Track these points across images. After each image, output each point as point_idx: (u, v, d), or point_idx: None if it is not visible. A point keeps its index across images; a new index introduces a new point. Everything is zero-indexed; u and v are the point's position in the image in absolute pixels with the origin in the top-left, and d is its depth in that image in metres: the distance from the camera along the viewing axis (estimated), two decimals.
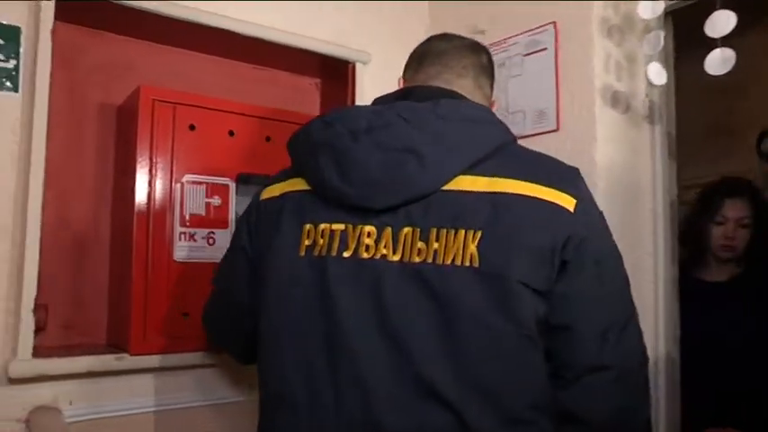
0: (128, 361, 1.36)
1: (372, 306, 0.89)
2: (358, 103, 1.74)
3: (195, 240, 1.42)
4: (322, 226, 0.95)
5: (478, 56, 1.13)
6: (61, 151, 1.45)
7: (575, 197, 0.91)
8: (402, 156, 0.89)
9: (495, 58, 1.68)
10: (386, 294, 0.88)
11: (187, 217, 1.42)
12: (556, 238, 0.88)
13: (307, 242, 0.96)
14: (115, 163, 1.54)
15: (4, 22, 1.31)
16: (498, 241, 0.87)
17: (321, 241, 0.94)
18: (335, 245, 0.93)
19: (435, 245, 0.88)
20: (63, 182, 1.46)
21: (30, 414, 1.30)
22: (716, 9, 1.25)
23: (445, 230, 0.88)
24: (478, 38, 1.75)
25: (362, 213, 0.93)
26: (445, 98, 0.97)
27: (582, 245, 0.89)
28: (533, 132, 1.59)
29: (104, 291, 1.52)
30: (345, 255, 0.92)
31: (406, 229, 0.90)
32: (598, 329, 0.90)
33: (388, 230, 0.91)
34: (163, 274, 1.38)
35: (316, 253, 0.94)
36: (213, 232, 1.45)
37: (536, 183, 0.90)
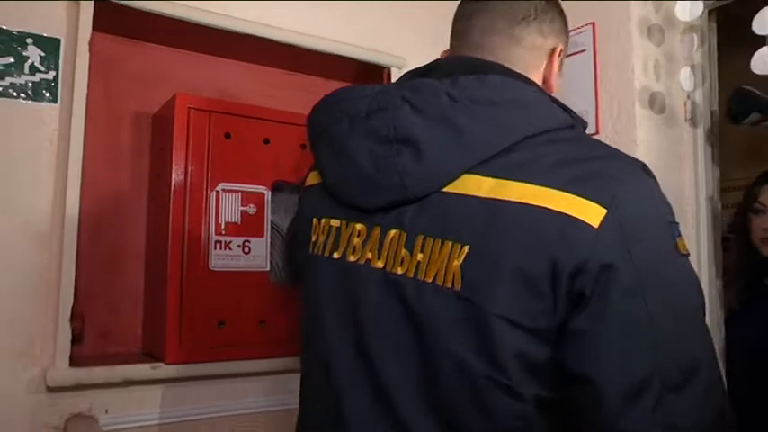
0: (163, 370, 1.36)
1: (349, 318, 0.78)
2: None
3: (230, 249, 1.42)
4: (323, 221, 0.86)
5: (513, 1, 0.86)
6: (98, 160, 1.46)
7: (606, 206, 0.67)
8: (396, 148, 0.74)
9: None
10: (362, 308, 0.77)
11: (222, 225, 1.42)
12: (559, 263, 0.66)
13: (313, 238, 0.87)
14: (150, 171, 1.55)
15: (45, 35, 1.32)
16: (484, 262, 0.69)
17: (321, 238, 0.85)
18: (329, 243, 0.83)
19: (419, 256, 0.73)
20: (99, 191, 1.48)
21: (66, 422, 1.30)
22: (764, 5, 1.21)
23: (432, 240, 0.72)
24: None
25: (357, 210, 0.80)
26: (477, 72, 0.77)
27: (605, 273, 0.66)
28: None
29: (140, 299, 1.52)
30: (335, 256, 0.82)
31: (393, 232, 0.76)
32: (630, 386, 0.66)
33: (377, 231, 0.78)
34: (198, 282, 1.38)
35: (315, 251, 0.86)
36: (249, 241, 1.44)
37: (554, 187, 0.69)
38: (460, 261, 0.70)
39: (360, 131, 0.78)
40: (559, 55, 0.88)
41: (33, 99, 1.30)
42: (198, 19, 1.46)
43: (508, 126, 0.73)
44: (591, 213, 0.67)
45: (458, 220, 0.71)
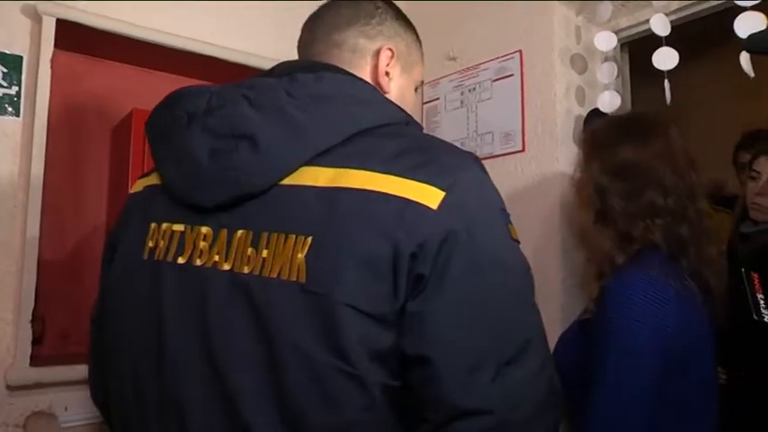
0: None
1: (197, 325, 0.75)
2: None
3: None
4: (164, 226, 0.81)
5: (339, 9, 0.91)
6: (59, 171, 1.54)
7: (445, 190, 0.69)
8: (234, 143, 0.74)
9: (466, 83, 1.83)
10: (210, 311, 0.74)
11: None
12: (400, 244, 0.67)
13: (150, 243, 0.82)
14: (110, 181, 1.63)
15: (8, 52, 1.40)
16: (327, 251, 0.69)
17: (162, 243, 0.81)
18: (173, 248, 0.79)
19: (264, 252, 0.72)
20: (61, 200, 1.55)
21: (27, 420, 1.38)
22: (662, 44, 1.38)
23: (276, 235, 0.72)
24: (451, 64, 1.89)
25: (201, 212, 0.78)
26: (313, 71, 0.79)
27: (444, 252, 0.68)
28: (501, 153, 1.70)
29: None
30: (180, 260, 0.78)
31: (240, 232, 0.74)
32: (468, 361, 0.68)
33: (224, 233, 0.76)
34: None
35: (155, 256, 0.81)
36: None
37: (393, 173, 0.70)
38: (304, 253, 0.69)
39: (198, 129, 0.77)
40: (389, 56, 0.89)
41: None
42: (153, 39, 1.56)
43: (344, 119, 0.75)
44: (429, 196, 0.69)
45: (298, 213, 0.72)
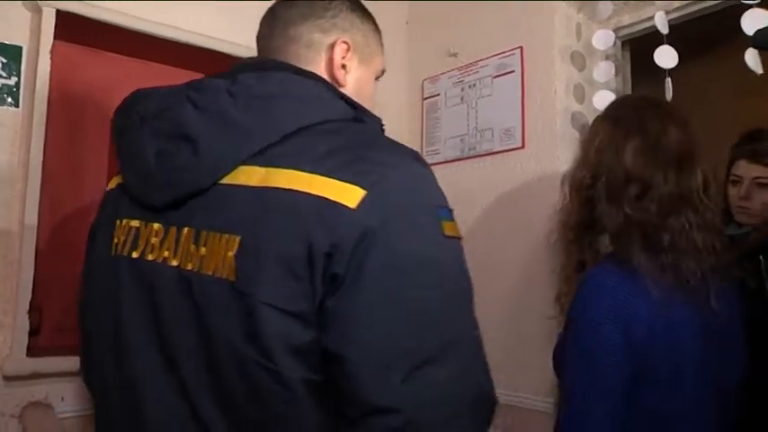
0: None
1: (150, 317, 0.78)
2: None
3: None
4: (124, 222, 0.85)
5: (294, 5, 0.91)
6: (58, 162, 1.53)
7: (366, 188, 0.69)
8: (176, 144, 0.77)
9: (467, 79, 1.83)
10: (160, 305, 0.78)
11: None
12: (315, 244, 0.68)
13: (116, 239, 0.85)
14: (108, 172, 1.62)
15: (8, 42, 1.40)
16: (252, 251, 0.71)
17: (122, 239, 0.84)
18: (129, 243, 0.83)
19: (203, 250, 0.74)
20: (59, 191, 1.55)
21: (23, 410, 1.38)
22: (663, 42, 1.38)
23: (212, 234, 0.74)
24: (451, 60, 1.88)
25: (154, 210, 0.81)
26: (260, 71, 0.81)
27: (360, 251, 0.68)
28: (501, 149, 1.70)
29: None
30: (134, 255, 0.81)
31: (186, 230, 0.77)
32: (381, 359, 0.68)
33: (173, 230, 0.78)
34: None
35: (116, 252, 0.84)
36: None
37: (318, 173, 0.71)
38: (234, 252, 0.71)
39: (147, 131, 0.80)
40: (344, 48, 0.89)
41: None
42: (153, 31, 1.55)
43: (282, 117, 0.76)
44: (349, 195, 0.69)
45: (231, 212, 0.74)
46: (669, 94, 1.40)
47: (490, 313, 1.71)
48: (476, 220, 1.76)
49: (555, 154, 1.59)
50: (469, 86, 1.82)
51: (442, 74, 1.91)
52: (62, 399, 1.43)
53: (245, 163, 0.74)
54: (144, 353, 0.78)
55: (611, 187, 1.07)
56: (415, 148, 2.02)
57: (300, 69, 0.84)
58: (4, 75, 1.40)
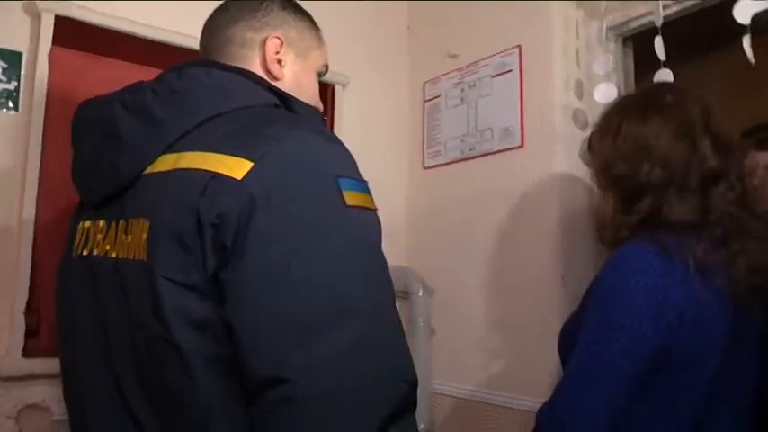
0: None
1: (96, 314, 0.82)
2: (336, 126, 1.84)
3: None
4: (80, 224, 0.91)
5: (229, 9, 0.96)
6: (56, 165, 1.55)
7: (253, 160, 0.71)
8: (107, 142, 0.83)
9: (466, 80, 1.81)
10: (103, 297, 0.82)
11: None
12: (202, 216, 0.70)
13: (75, 242, 0.91)
14: None
15: (8, 48, 1.42)
16: (155, 229, 0.74)
17: (79, 240, 0.90)
18: (82, 243, 0.88)
19: (129, 237, 0.78)
20: (57, 194, 1.56)
21: (20, 411, 1.38)
22: (658, 33, 1.36)
23: (135, 221, 0.78)
24: (452, 62, 1.88)
25: (98, 207, 0.87)
26: (178, 70, 0.85)
27: (243, 221, 0.69)
28: (500, 149, 1.68)
29: None
30: (84, 253, 0.87)
31: (121, 222, 0.81)
32: (269, 329, 0.68)
33: (113, 224, 0.83)
34: None
35: (76, 253, 0.90)
36: None
37: (216, 151, 0.74)
38: (146, 234, 0.75)
39: (87, 133, 0.87)
40: (277, 44, 0.93)
41: None
42: (152, 36, 1.57)
43: (195, 108, 0.80)
44: (237, 168, 0.71)
45: (148, 197, 0.78)
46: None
47: (492, 312, 1.68)
48: (478, 220, 1.75)
49: (553, 152, 1.57)
50: (469, 87, 1.80)
51: (442, 75, 1.90)
52: (59, 401, 1.42)
53: (164, 153, 0.79)
54: (90, 347, 0.82)
55: (690, 179, 1.02)
56: (416, 151, 2.03)
57: (223, 65, 0.89)
58: (4, 79, 1.42)
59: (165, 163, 0.78)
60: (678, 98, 1.08)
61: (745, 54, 1.25)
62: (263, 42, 0.93)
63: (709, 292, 0.96)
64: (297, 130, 0.76)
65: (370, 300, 0.71)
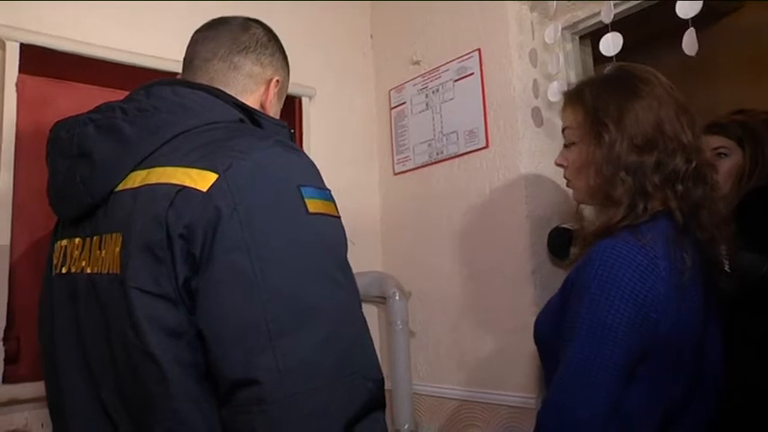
0: None
1: (74, 329, 0.85)
2: (305, 138, 1.86)
3: None
4: (57, 243, 0.94)
5: (237, 34, 1.00)
6: (28, 192, 1.56)
7: (218, 173, 0.74)
8: (78, 161, 0.85)
9: (430, 85, 1.86)
10: (80, 312, 0.85)
11: None
12: (170, 227, 0.73)
13: (54, 260, 0.93)
14: None
15: None
16: (127, 242, 0.77)
17: (57, 259, 0.92)
18: (60, 261, 0.91)
19: (103, 253, 0.81)
20: (32, 219, 1.57)
21: None
22: (606, 31, 1.41)
23: (108, 236, 0.81)
24: (415, 68, 1.92)
25: (74, 225, 0.89)
26: (147, 87, 0.89)
27: (209, 231, 0.72)
28: (466, 151, 1.72)
29: None
30: (63, 271, 0.89)
31: (95, 238, 0.84)
32: (236, 333, 0.71)
33: (88, 240, 0.85)
34: None
35: (55, 272, 0.92)
36: None
37: (183, 165, 0.77)
38: (119, 248, 0.78)
39: (59, 153, 0.89)
40: (276, 85, 1.03)
41: None
42: (120, 59, 1.60)
43: (165, 125, 0.83)
44: (203, 180, 0.74)
45: (120, 213, 0.80)
46: None
47: (467, 311, 1.72)
48: (448, 222, 1.78)
49: (517, 150, 1.61)
50: (433, 92, 1.84)
51: (406, 82, 1.94)
52: (42, 425, 1.43)
53: (134, 170, 0.82)
54: (68, 362, 0.85)
55: (677, 166, 1.04)
56: (386, 158, 2.06)
57: (189, 82, 0.93)
58: None
59: (135, 179, 0.80)
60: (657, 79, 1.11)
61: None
62: (269, 81, 1.01)
63: (689, 287, 0.99)
64: (262, 141, 0.80)
65: (334, 302, 0.74)
